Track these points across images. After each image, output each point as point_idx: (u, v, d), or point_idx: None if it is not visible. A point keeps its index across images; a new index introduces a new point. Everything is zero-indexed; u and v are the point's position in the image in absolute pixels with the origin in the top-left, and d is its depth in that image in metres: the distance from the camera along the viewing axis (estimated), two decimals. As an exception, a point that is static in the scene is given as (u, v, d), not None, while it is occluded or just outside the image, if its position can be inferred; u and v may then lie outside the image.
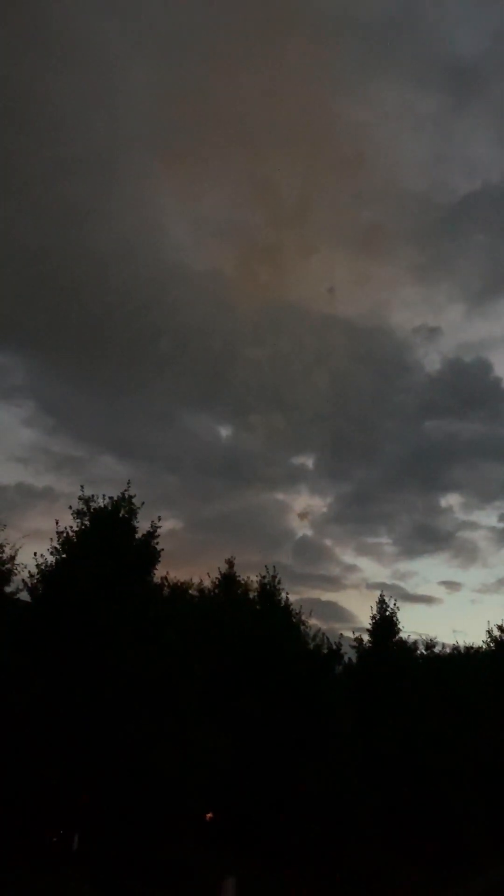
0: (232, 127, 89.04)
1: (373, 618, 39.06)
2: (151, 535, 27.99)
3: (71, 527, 26.52)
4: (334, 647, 35.10)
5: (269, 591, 34.59)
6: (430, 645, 47.30)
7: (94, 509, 27.10)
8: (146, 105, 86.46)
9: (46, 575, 25.39)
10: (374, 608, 39.32)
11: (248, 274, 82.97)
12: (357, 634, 38.81)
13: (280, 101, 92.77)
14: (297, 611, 34.79)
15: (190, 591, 34.70)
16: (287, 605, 34.67)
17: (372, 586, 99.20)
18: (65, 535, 26.21)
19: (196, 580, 35.71)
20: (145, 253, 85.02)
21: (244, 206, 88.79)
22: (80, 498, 27.06)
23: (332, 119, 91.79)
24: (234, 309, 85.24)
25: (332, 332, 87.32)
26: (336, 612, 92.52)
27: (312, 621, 35.25)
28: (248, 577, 35.57)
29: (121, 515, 27.51)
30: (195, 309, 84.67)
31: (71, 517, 26.80)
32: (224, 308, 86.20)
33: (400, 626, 39.22)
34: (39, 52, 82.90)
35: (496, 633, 50.04)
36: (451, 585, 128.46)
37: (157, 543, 28.04)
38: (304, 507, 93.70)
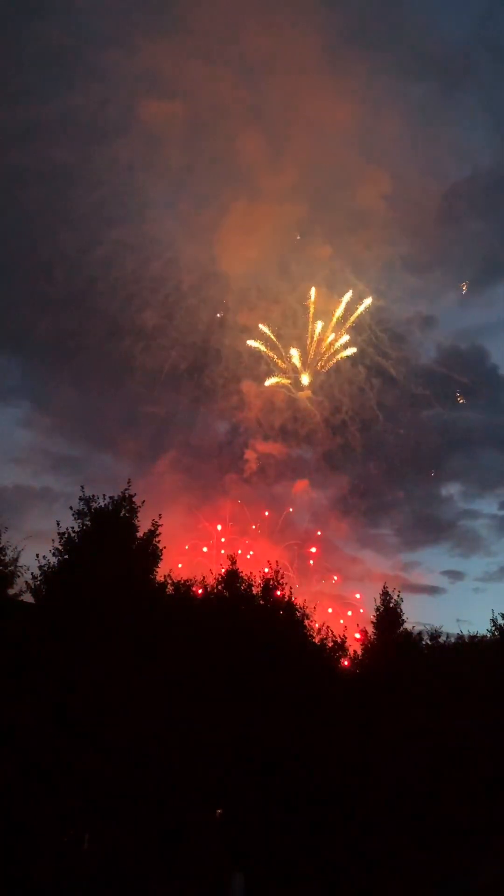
0: (215, 111, 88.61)
1: (377, 610, 39.07)
2: (153, 533, 28.06)
3: (72, 527, 26.56)
4: (339, 640, 35.18)
5: (272, 587, 34.64)
6: (434, 635, 47.34)
7: (95, 509, 27.14)
8: (127, 67, 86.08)
9: (49, 576, 25.47)
10: (378, 600, 39.35)
11: (236, 244, 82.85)
12: (361, 627, 38.93)
13: (265, 88, 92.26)
14: (302, 605, 34.91)
15: (193, 589, 34.67)
16: (291, 600, 34.75)
17: (375, 578, 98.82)
18: (66, 535, 26.26)
19: (199, 577, 35.68)
20: (128, 220, 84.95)
21: (230, 180, 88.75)
22: (80, 498, 27.10)
23: (319, 107, 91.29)
24: (223, 277, 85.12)
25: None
26: (341, 605, 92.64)
27: (317, 615, 35.33)
28: (252, 573, 35.54)
29: (122, 515, 27.56)
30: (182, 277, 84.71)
31: (72, 518, 26.86)
32: (212, 276, 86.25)
33: (404, 617, 39.26)
34: (10, 14, 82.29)
35: (501, 621, 49.90)
36: (454, 575, 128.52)
37: (159, 542, 28.13)
38: (305, 498, 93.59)
